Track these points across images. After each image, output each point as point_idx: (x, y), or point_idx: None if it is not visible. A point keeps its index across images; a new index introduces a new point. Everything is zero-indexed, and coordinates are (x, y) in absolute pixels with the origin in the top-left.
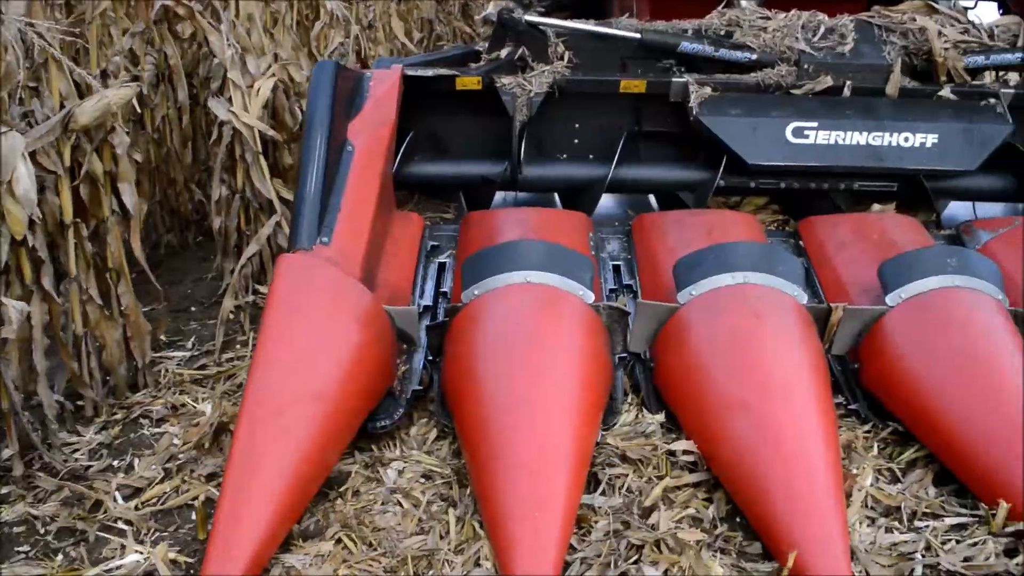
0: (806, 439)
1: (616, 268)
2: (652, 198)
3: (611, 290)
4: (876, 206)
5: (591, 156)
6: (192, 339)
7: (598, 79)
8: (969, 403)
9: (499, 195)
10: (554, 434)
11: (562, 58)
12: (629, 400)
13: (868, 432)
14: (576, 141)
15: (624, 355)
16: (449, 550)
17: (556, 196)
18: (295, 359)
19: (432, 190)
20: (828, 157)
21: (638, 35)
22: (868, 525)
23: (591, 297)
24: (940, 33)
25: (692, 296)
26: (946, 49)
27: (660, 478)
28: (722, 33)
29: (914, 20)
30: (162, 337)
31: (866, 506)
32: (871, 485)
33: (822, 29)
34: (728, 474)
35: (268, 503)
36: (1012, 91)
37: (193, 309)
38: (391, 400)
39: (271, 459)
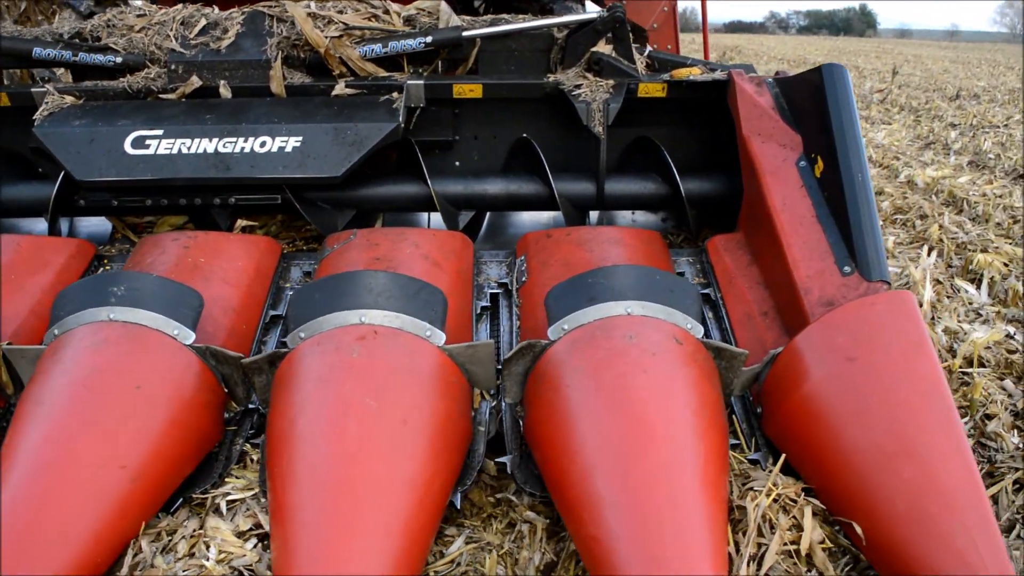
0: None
1: None
2: None
3: None
4: (241, 222)
5: None
6: None
7: None
8: None
9: None
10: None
11: None
12: None
13: None
14: None
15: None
16: None
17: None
18: None
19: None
20: (167, 169)
21: None
22: None
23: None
24: (331, 21)
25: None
26: (338, 38)
27: None
28: (98, 35)
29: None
30: None
31: None
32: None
33: (202, 23)
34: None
35: None
36: (422, 82)
37: None
38: None
39: None
